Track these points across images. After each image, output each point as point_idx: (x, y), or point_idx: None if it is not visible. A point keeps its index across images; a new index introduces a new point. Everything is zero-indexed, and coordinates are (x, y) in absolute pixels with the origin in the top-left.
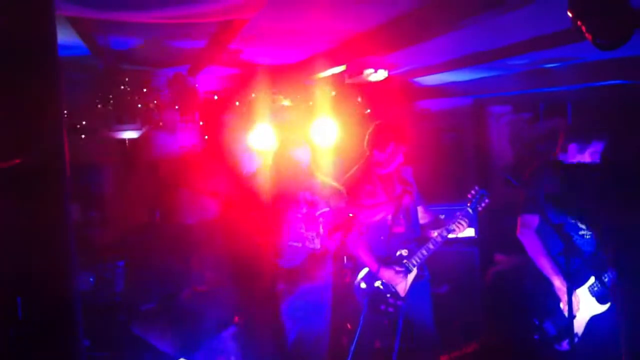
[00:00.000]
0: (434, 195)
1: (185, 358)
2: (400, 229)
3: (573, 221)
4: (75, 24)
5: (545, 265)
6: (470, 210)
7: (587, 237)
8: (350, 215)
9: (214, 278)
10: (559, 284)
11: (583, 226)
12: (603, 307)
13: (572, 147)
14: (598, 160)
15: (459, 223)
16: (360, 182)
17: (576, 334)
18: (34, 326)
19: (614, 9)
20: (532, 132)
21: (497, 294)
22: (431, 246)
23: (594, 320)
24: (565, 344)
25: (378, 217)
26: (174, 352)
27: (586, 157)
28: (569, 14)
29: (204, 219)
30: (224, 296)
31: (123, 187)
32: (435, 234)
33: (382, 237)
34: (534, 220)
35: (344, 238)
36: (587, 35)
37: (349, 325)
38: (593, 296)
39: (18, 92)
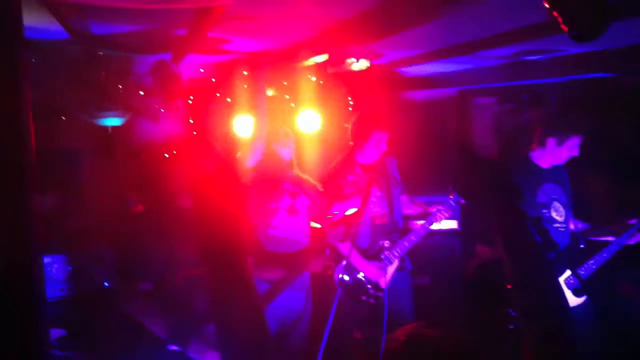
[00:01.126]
0: (418, 186)
1: (175, 345)
2: (383, 220)
3: (548, 214)
4: (52, 7)
5: None
6: (452, 203)
7: (562, 229)
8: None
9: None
10: None
11: (558, 218)
12: (579, 300)
13: (551, 141)
14: (575, 155)
15: (441, 215)
16: (343, 172)
17: None
18: None
19: (589, 1)
20: (514, 124)
21: (478, 285)
22: (413, 238)
23: (574, 311)
24: None
25: (351, 207)
26: (165, 336)
27: (564, 151)
28: (545, 5)
29: (190, 203)
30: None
31: (102, 174)
32: (417, 225)
33: (364, 229)
34: None
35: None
36: (563, 26)
37: None
38: (569, 289)
39: None
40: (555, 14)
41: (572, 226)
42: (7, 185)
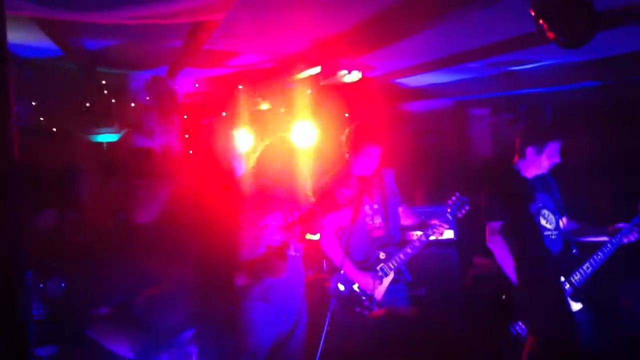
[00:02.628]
0: (414, 197)
1: None
2: (379, 232)
3: (538, 222)
4: (43, 25)
5: (508, 271)
6: (449, 217)
7: (553, 237)
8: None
9: (171, 279)
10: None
11: (548, 226)
12: (578, 305)
13: (529, 150)
14: (557, 161)
15: (439, 229)
16: (338, 185)
17: None
18: None
19: (575, 9)
20: (511, 134)
21: (476, 296)
22: (409, 250)
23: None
24: None
25: (342, 218)
26: (134, 356)
27: (544, 159)
28: (531, 13)
29: (160, 217)
30: (182, 297)
31: (100, 190)
32: (414, 237)
33: (360, 241)
34: (499, 224)
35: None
36: (549, 34)
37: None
38: (566, 295)
39: None
40: (540, 21)
41: (562, 224)
42: None
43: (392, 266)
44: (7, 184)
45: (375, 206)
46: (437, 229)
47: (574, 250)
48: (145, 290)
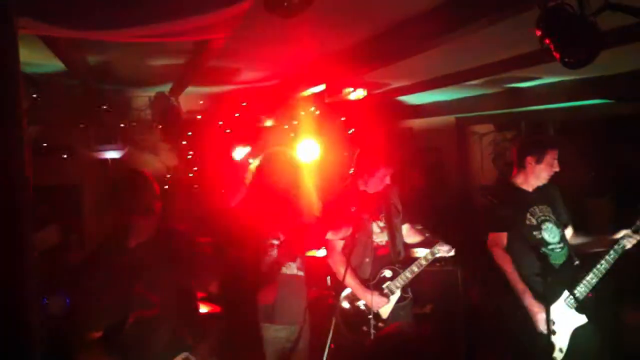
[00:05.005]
0: (416, 214)
1: None
2: (385, 250)
3: (540, 236)
4: (50, 42)
5: (514, 285)
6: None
7: (558, 250)
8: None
9: (162, 301)
10: (528, 303)
11: (551, 240)
12: (582, 318)
13: (529, 160)
14: (556, 170)
15: (444, 246)
16: (345, 203)
17: (560, 349)
18: None
19: (580, 28)
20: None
21: (480, 313)
22: (415, 269)
23: (577, 332)
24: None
25: (348, 235)
26: None
27: (543, 169)
28: (537, 33)
29: (152, 238)
30: (173, 319)
31: (103, 208)
32: (420, 255)
33: (367, 259)
34: (502, 238)
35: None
36: (555, 53)
37: (332, 345)
38: (571, 308)
39: None
40: (547, 41)
41: (567, 235)
42: (4, 223)
43: (398, 285)
44: (21, 200)
45: (381, 224)
46: (442, 246)
47: (576, 262)
48: (137, 312)
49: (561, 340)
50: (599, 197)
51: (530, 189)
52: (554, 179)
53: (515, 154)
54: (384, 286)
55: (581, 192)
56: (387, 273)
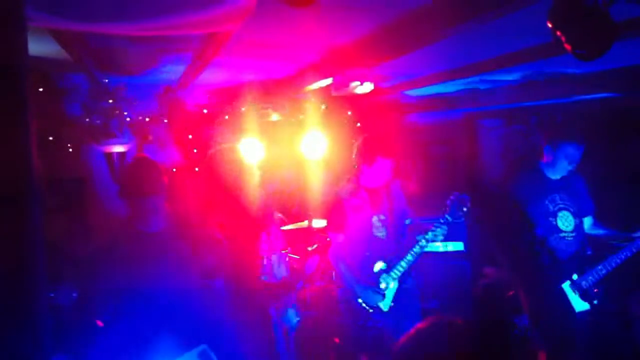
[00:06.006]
0: (424, 208)
1: None
2: (385, 245)
3: (554, 223)
4: (57, 35)
5: None
6: (448, 218)
7: (569, 238)
8: (328, 239)
9: (182, 288)
10: None
11: (564, 228)
12: (585, 306)
13: (546, 149)
14: (576, 162)
15: (435, 232)
16: (346, 196)
17: None
18: None
19: (593, 20)
20: (525, 145)
21: (486, 306)
22: (410, 258)
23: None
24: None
25: (349, 230)
26: None
27: (562, 160)
28: (549, 25)
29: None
30: (193, 307)
31: (109, 199)
32: (416, 245)
33: (367, 253)
34: None
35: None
36: (566, 45)
37: (336, 340)
38: (575, 294)
39: None
40: (558, 33)
41: (584, 226)
42: (14, 215)
43: (394, 276)
44: (29, 193)
45: (383, 217)
46: (434, 232)
47: (589, 252)
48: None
49: None
50: (612, 190)
51: (553, 177)
52: (581, 170)
53: (545, 141)
54: (380, 279)
55: (607, 184)
56: (382, 265)
